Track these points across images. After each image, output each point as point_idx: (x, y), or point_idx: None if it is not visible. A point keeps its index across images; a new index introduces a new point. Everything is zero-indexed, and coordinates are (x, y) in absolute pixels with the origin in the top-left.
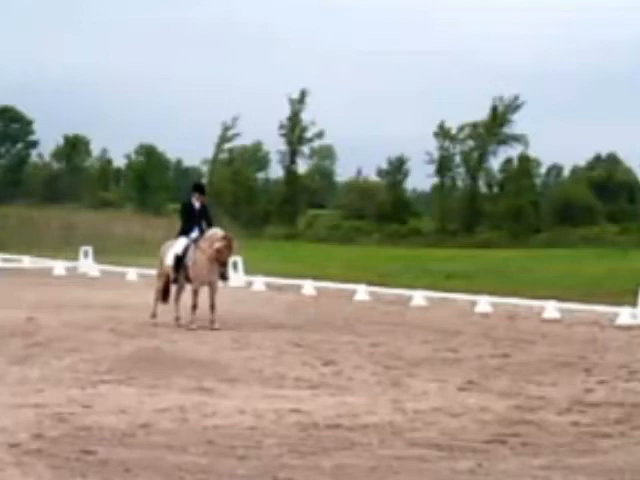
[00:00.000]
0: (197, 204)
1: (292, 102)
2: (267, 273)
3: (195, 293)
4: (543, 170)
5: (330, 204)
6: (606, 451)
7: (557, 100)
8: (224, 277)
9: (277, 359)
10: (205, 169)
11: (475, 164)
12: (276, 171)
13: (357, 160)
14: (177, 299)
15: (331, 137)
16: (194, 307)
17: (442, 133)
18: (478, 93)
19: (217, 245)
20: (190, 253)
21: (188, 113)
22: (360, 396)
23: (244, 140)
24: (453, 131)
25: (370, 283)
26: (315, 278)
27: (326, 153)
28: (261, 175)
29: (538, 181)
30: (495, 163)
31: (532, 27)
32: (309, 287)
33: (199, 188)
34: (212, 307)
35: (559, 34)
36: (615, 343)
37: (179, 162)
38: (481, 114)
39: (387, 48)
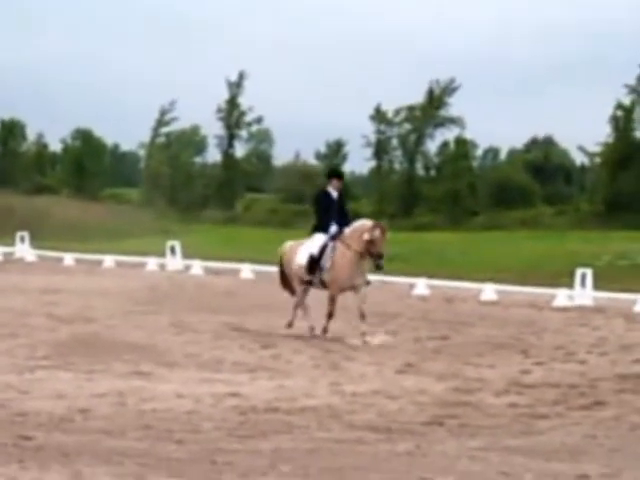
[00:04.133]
0: (335, 193)
1: (230, 85)
2: (205, 257)
3: (333, 300)
4: (480, 152)
5: (268, 188)
6: (543, 432)
7: (493, 82)
8: (379, 267)
9: (215, 343)
10: (142, 153)
11: (412, 147)
12: (214, 155)
13: (295, 144)
14: (302, 305)
15: (269, 121)
16: (330, 315)
17: (378, 117)
18: (414, 76)
19: (367, 236)
20: (328, 253)
21: (125, 97)
22: (298, 379)
23: (181, 124)
24: (389, 114)
25: None
26: (253, 262)
27: (264, 137)
28: (199, 159)
29: (475, 164)
30: (432, 146)
31: (468, 9)
32: (247, 271)
33: (337, 174)
34: (363, 316)
35: (496, 16)
36: (552, 325)
37: (116, 146)
38: (417, 97)
39: (324, 32)
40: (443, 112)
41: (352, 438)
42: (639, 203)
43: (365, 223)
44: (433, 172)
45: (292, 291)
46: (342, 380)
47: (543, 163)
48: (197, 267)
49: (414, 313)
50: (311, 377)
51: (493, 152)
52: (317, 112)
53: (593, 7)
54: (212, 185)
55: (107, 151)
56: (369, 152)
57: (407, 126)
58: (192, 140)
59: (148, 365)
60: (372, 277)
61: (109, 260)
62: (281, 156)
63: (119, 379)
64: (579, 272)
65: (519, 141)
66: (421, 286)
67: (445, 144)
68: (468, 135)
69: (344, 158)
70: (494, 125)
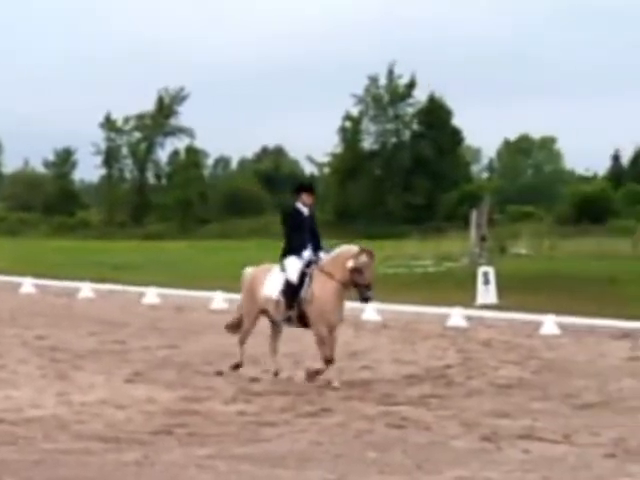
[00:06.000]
0: (306, 211)
1: None
2: None
3: (323, 340)
4: (211, 162)
5: None
6: (270, 439)
7: (223, 92)
8: (368, 299)
9: None
10: None
11: (142, 155)
12: None
13: (23, 151)
14: (274, 347)
15: None
16: (328, 361)
17: (108, 125)
18: (144, 84)
19: (351, 264)
20: (306, 282)
21: None
22: (25, 390)
23: None
24: (119, 122)
25: (36, 275)
26: None
27: None
28: None
29: (206, 172)
30: (163, 155)
31: (195, 20)
32: None
33: (308, 188)
34: (332, 360)
35: (223, 27)
36: (283, 333)
37: None
38: (147, 105)
39: (53, 38)
40: (173, 121)
41: (79, 448)
42: (367, 212)
43: (350, 249)
44: (164, 181)
45: (238, 329)
46: (70, 390)
47: (273, 173)
48: None
49: (143, 322)
50: (38, 387)
51: (224, 161)
52: (46, 119)
53: (329, 19)
54: None
55: None
56: (99, 160)
57: (137, 134)
58: None
59: None
60: (101, 287)
61: None
62: (10, 163)
63: None
64: None
65: (249, 150)
66: (151, 295)
67: (176, 153)
68: (199, 144)
69: (73, 166)
70: (224, 134)
